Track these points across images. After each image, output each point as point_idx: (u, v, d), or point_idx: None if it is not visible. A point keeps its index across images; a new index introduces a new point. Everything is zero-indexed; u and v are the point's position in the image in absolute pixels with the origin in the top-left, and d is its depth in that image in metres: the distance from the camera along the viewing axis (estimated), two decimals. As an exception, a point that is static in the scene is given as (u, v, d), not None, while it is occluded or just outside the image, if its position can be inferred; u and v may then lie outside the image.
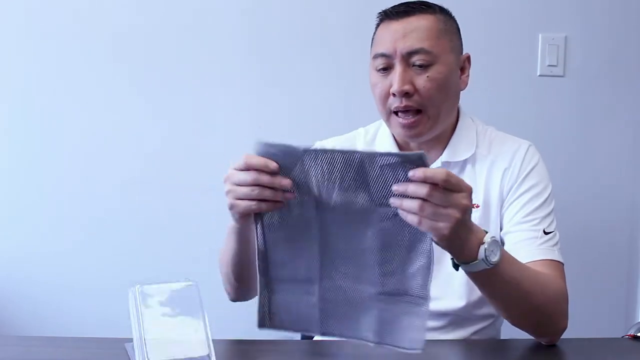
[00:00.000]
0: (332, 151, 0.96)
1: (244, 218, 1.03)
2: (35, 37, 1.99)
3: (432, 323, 1.26)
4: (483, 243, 1.00)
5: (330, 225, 1.00)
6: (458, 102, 1.35)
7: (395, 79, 1.25)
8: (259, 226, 1.02)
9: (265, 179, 0.97)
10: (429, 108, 1.26)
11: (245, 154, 0.99)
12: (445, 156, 1.32)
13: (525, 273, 1.13)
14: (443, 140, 1.33)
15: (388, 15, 1.29)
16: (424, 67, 1.25)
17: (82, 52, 2.00)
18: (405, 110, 1.26)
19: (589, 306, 2.07)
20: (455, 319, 1.27)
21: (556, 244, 1.25)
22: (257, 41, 2.01)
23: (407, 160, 0.92)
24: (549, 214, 1.27)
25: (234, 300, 1.29)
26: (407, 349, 0.98)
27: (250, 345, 1.16)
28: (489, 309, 1.28)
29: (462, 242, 0.98)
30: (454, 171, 1.29)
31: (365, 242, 0.98)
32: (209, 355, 0.96)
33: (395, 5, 1.30)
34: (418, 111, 1.26)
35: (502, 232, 1.28)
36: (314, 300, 1.03)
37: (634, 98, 2.06)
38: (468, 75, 1.34)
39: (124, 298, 0.95)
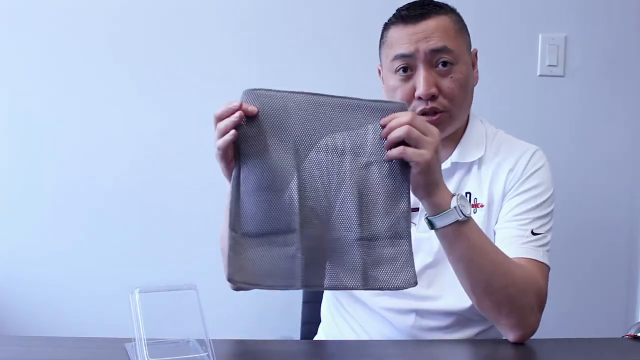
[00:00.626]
0: (317, 96, 1.04)
1: (229, 166, 1.04)
2: (33, 35, 1.99)
3: (437, 322, 1.26)
4: (454, 195, 1.08)
5: (309, 174, 1.03)
6: (472, 98, 1.34)
7: (420, 82, 1.24)
8: (234, 178, 1.02)
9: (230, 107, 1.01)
10: (451, 108, 1.27)
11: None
12: (455, 156, 1.32)
13: (494, 249, 1.14)
14: (454, 140, 1.33)
15: (404, 18, 1.26)
16: (448, 66, 1.25)
17: (82, 53, 1.99)
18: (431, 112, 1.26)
19: (589, 306, 2.07)
20: (460, 318, 1.27)
21: (543, 245, 1.23)
22: (257, 41, 2.01)
23: (390, 109, 1.05)
24: (542, 217, 1.26)
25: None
26: (401, 288, 1.03)
27: (250, 345, 1.16)
28: None
29: (437, 180, 1.06)
30: (461, 171, 1.30)
31: (344, 190, 1.04)
32: (209, 355, 0.96)
33: (408, 8, 1.28)
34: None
35: (495, 227, 1.29)
36: (293, 251, 1.00)
37: (634, 98, 2.06)
38: (477, 71, 1.34)
39: (124, 298, 0.95)
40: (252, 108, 1.01)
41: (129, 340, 0.98)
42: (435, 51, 1.24)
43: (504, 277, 1.13)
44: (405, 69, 1.26)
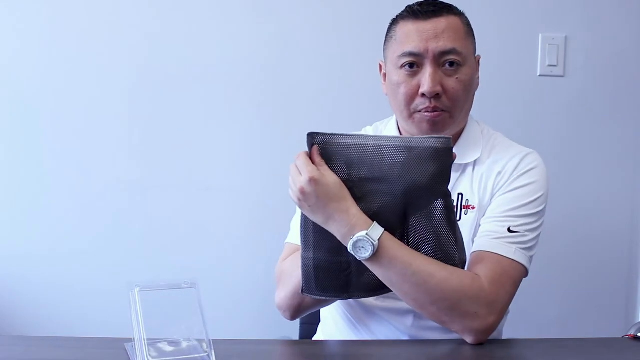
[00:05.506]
0: (364, 145, 1.10)
1: None
2: (34, 35, 2.00)
3: (435, 322, 1.26)
4: (352, 237, 1.09)
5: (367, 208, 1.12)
6: (473, 103, 1.34)
7: (426, 79, 1.23)
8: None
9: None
10: (453, 109, 1.26)
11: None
12: None
13: (418, 267, 1.11)
14: (452, 141, 1.32)
15: (415, 14, 1.26)
16: (454, 67, 1.24)
17: (81, 53, 2.00)
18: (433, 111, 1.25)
19: (589, 306, 2.07)
20: None
21: (520, 244, 1.20)
22: (257, 41, 2.01)
23: (429, 145, 1.12)
24: (525, 216, 1.23)
25: (294, 317, 1.29)
26: None
27: (250, 345, 1.16)
28: None
29: (326, 220, 1.11)
30: (457, 172, 1.29)
31: (395, 218, 1.13)
32: (209, 355, 0.96)
33: (420, 4, 1.28)
34: (442, 110, 1.26)
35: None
36: (345, 268, 1.15)
37: (634, 98, 2.06)
38: (479, 77, 1.34)
39: (125, 298, 0.95)
40: (318, 160, 1.11)
41: (129, 340, 0.98)
42: (445, 52, 1.24)
43: (432, 294, 1.11)
44: (412, 65, 1.25)
